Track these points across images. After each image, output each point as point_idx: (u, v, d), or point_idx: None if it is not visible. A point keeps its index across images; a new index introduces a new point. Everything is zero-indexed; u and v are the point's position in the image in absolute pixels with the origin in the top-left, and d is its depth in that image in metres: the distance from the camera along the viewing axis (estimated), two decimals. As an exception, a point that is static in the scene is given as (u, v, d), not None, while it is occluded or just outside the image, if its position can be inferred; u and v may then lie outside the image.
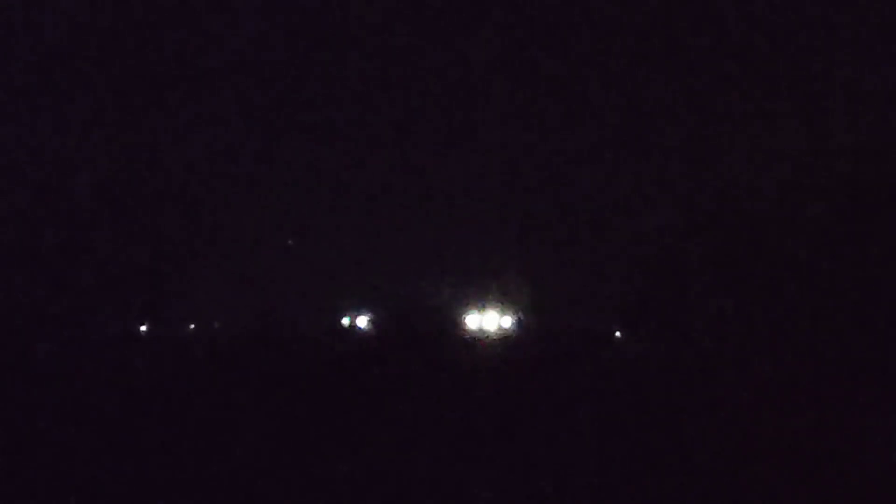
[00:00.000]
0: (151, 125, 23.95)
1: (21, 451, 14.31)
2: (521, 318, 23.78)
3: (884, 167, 18.81)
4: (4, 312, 21.69)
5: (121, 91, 23.98)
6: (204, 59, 24.35)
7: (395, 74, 24.54)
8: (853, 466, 12.52)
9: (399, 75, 24.58)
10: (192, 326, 24.68)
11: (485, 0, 23.85)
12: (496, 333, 24.04)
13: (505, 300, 23.83)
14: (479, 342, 23.65)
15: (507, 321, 24.11)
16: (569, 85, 23.67)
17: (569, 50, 23.77)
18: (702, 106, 21.87)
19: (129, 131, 23.83)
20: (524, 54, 24.09)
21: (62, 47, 23.79)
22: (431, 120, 24.37)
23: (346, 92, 24.75)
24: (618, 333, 23.18)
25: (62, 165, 23.51)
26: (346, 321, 24.83)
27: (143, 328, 24.42)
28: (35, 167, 23.64)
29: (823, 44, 21.31)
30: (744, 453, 13.61)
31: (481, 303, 24.02)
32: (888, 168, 18.81)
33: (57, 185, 23.35)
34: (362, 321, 24.67)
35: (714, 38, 22.06)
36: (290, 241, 23.89)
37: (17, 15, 23.46)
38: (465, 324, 24.22)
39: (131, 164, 23.73)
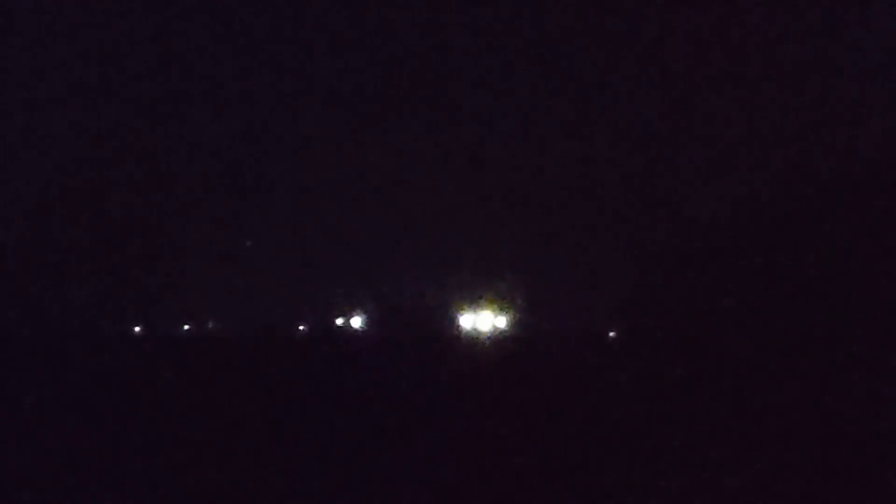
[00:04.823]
0: (145, 125, 23.88)
1: (16, 453, 14.26)
2: (516, 317, 23.74)
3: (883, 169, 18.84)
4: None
5: (113, 90, 23.91)
6: (199, 60, 24.27)
7: (391, 74, 24.48)
8: (853, 467, 12.52)
9: (396, 74, 24.52)
10: (186, 327, 24.59)
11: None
12: (491, 333, 24.00)
13: (499, 300, 23.79)
14: (473, 342, 23.61)
15: (502, 321, 24.07)
16: (565, 85, 23.62)
17: (565, 48, 23.72)
18: (700, 106, 21.86)
19: (122, 131, 23.76)
20: (521, 53, 24.04)
21: (56, 46, 23.73)
22: (427, 120, 24.31)
23: (341, 91, 24.68)
24: (612, 333, 23.15)
25: (55, 166, 23.43)
26: (340, 321, 24.77)
27: (136, 329, 24.32)
28: (27, 167, 23.55)
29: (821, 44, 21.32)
30: (741, 454, 13.59)
31: (476, 303, 23.98)
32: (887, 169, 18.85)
33: (51, 185, 23.28)
34: (357, 321, 24.61)
35: (712, 38, 22.04)
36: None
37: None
38: (459, 324, 24.17)
39: (124, 164, 23.66)
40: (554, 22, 23.53)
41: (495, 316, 23.95)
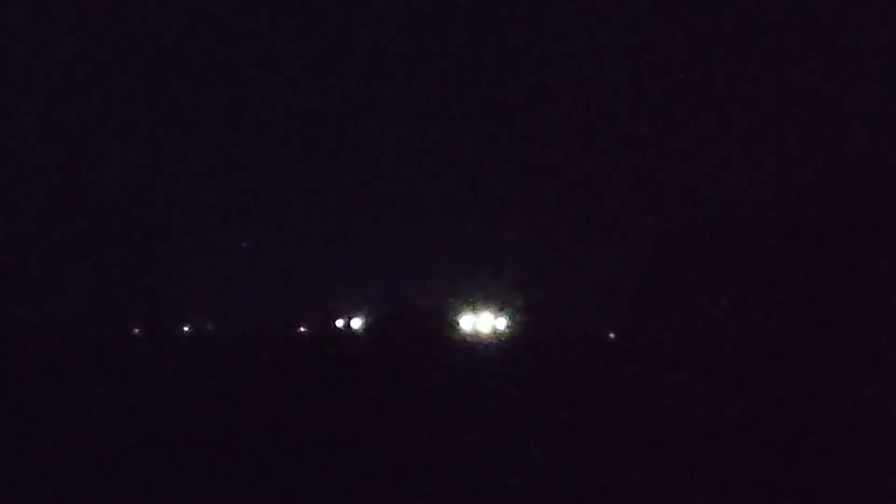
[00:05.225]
0: (145, 125, 23.94)
1: (17, 452, 14.26)
2: (516, 319, 23.76)
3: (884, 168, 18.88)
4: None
5: (113, 89, 23.98)
6: (197, 62, 24.34)
7: (387, 73, 24.53)
8: (852, 467, 12.52)
9: (392, 73, 24.57)
10: (186, 329, 24.63)
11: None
12: (490, 335, 24.02)
13: (499, 302, 23.82)
14: (473, 344, 23.62)
15: (502, 323, 24.08)
16: (566, 87, 23.67)
17: (564, 47, 23.77)
18: (699, 106, 21.90)
19: (123, 131, 23.82)
20: (521, 53, 24.09)
21: (57, 44, 23.80)
22: (424, 120, 24.36)
23: (341, 93, 24.74)
24: (612, 335, 23.17)
25: (56, 167, 23.49)
26: (340, 323, 24.79)
27: (136, 330, 24.36)
28: (27, 169, 23.61)
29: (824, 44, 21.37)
30: (739, 456, 13.59)
31: (475, 304, 24.00)
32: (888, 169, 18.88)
33: (49, 187, 23.32)
34: (357, 323, 24.63)
35: (712, 38, 22.10)
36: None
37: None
38: (459, 325, 24.19)
39: (125, 166, 23.72)
40: (552, 21, 23.58)
41: (495, 318, 23.97)
